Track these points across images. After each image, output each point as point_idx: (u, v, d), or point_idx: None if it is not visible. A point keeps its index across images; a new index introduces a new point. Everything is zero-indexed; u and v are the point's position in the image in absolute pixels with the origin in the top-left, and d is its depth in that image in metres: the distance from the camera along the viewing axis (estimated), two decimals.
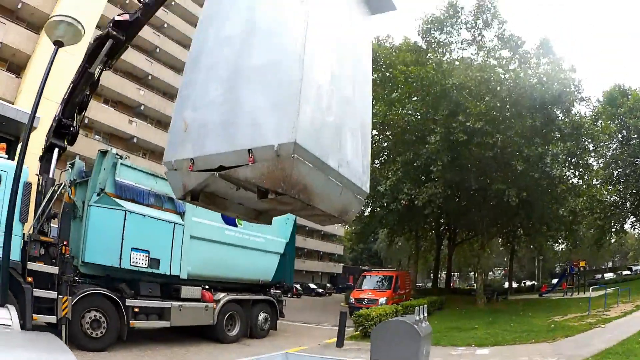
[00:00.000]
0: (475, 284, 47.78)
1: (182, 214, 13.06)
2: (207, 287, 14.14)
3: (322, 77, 4.67)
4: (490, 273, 66.45)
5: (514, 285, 54.44)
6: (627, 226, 45.09)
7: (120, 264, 11.29)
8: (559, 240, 38.39)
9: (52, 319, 9.68)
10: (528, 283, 63.28)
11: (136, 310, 11.73)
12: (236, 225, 14.83)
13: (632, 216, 43.00)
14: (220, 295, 14.29)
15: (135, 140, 43.30)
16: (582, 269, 40.76)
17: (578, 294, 35.93)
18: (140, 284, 12.19)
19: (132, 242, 11.55)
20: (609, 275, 53.38)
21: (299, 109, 4.13)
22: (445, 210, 33.75)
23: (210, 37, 5.22)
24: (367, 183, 5.40)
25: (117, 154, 11.87)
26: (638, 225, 45.12)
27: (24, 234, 9.57)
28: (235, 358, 4.81)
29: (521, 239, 39.73)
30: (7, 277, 8.01)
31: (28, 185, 9.41)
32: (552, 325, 17.45)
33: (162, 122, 46.76)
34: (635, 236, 58.59)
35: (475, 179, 27.30)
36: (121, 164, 11.85)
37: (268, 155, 4.13)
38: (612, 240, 45.66)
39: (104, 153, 11.75)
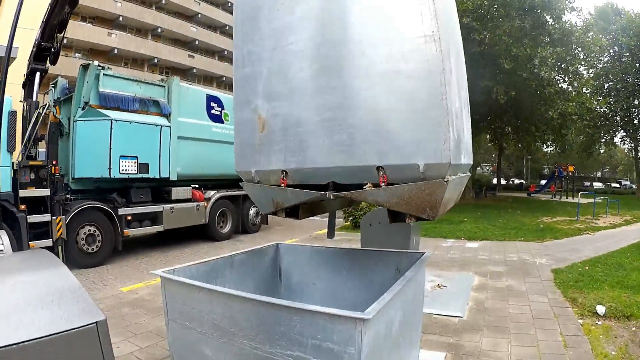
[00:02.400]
0: None
1: (167, 116, 12.73)
2: (197, 186, 14.34)
3: (452, 51, 3.76)
4: (479, 168, 67.27)
5: (502, 182, 55.30)
6: (616, 139, 45.21)
7: (110, 174, 11.14)
8: (548, 143, 38.55)
9: (49, 242, 9.75)
10: (516, 181, 64.42)
11: (129, 218, 11.81)
12: (223, 122, 14.87)
13: (622, 130, 43.08)
14: (211, 193, 14.55)
15: (116, 51, 42.96)
16: (570, 174, 41.35)
17: (566, 198, 36.77)
18: (131, 191, 12.22)
19: (120, 150, 11.34)
20: (597, 185, 54.30)
21: (449, 111, 3.28)
22: None
23: None
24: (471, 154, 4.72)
25: (99, 66, 11.33)
26: (628, 140, 45.27)
27: (13, 163, 9.49)
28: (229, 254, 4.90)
29: (509, 137, 39.86)
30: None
31: (13, 114, 9.23)
32: (541, 226, 17.72)
33: (142, 31, 46.14)
34: (625, 151, 58.96)
35: None
36: (104, 74, 11.36)
37: (409, 175, 3.39)
38: (602, 151, 45.87)
39: (85, 67, 11.24)
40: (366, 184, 3.52)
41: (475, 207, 25.86)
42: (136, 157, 11.76)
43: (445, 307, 7.49)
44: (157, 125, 12.33)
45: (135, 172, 11.76)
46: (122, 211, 11.59)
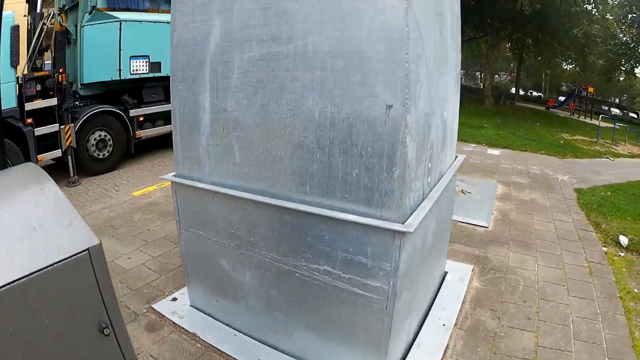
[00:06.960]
0: (482, 84, 47.92)
1: None
2: None
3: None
4: (497, 76, 65.78)
5: (521, 92, 54.30)
6: (637, 71, 43.57)
7: (120, 76, 10.71)
8: (569, 60, 37.57)
9: (58, 152, 9.49)
10: (535, 94, 63.12)
11: (141, 119, 11.50)
12: None
13: None
14: None
15: None
16: (590, 94, 40.42)
17: (585, 118, 36.03)
18: (142, 92, 11.79)
19: (130, 51, 10.85)
20: (615, 111, 52.94)
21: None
22: None
23: None
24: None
25: None
26: None
27: (17, 77, 8.93)
28: None
29: (530, 49, 38.73)
30: (2, 128, 7.51)
31: (15, 29, 8.65)
32: (561, 142, 17.45)
33: None
34: None
35: None
36: None
37: None
38: (621, 78, 44.42)
39: None
40: None
41: (495, 114, 25.82)
42: (147, 57, 11.27)
43: (470, 215, 7.45)
44: (168, 22, 11.68)
45: (147, 71, 11.33)
46: (133, 112, 11.24)
